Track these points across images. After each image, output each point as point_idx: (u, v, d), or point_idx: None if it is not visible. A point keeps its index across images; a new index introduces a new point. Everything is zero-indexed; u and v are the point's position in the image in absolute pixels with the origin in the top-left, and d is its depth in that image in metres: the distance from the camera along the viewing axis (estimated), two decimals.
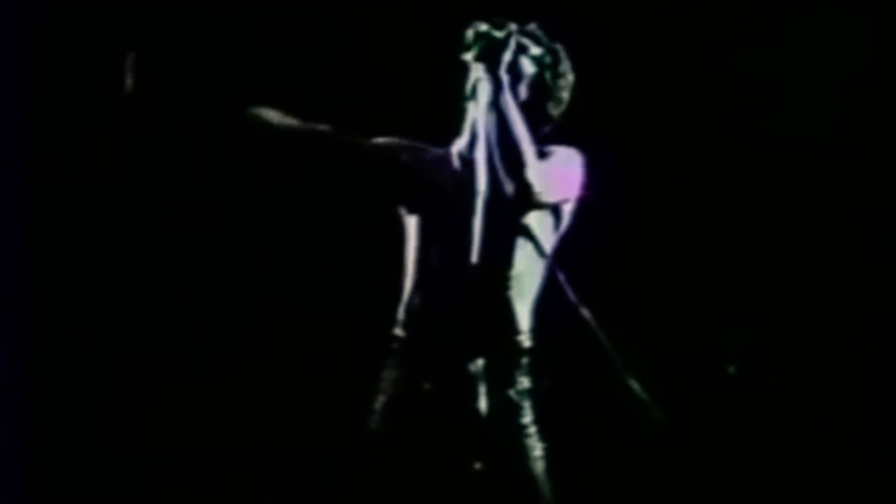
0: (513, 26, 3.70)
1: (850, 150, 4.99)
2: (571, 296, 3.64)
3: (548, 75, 3.80)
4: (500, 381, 3.64)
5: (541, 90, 3.80)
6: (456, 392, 3.62)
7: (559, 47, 3.85)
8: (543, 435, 3.66)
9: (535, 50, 3.78)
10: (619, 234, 4.87)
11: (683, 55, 4.99)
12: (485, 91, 3.58)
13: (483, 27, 3.63)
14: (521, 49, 3.73)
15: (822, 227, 5.02)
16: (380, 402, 3.70)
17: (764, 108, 5.00)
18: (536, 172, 3.58)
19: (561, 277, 3.68)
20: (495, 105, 3.57)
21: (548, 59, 3.80)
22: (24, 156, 4.84)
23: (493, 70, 3.59)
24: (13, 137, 4.80)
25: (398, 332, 3.72)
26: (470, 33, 3.64)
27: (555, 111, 3.84)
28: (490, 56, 3.60)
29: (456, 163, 3.75)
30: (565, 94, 3.85)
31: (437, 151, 3.81)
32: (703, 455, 4.87)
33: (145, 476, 4.91)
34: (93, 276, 4.97)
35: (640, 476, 4.81)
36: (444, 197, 3.71)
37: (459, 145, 3.77)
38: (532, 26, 3.81)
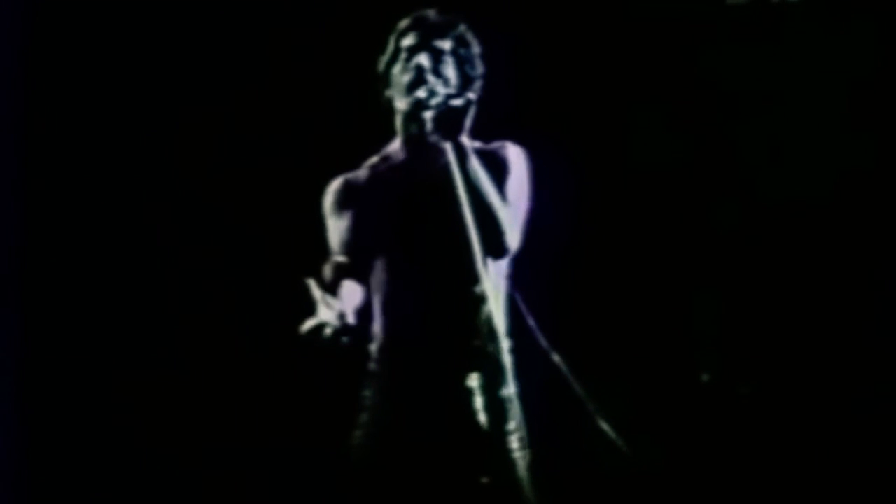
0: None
1: (827, 154, 5.02)
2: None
3: (467, 68, 3.70)
4: (488, 388, 3.60)
5: (467, 81, 3.69)
6: (442, 405, 3.60)
7: (456, 20, 3.72)
8: (529, 441, 3.66)
9: (446, 43, 3.65)
10: (598, 237, 4.90)
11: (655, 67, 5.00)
12: (455, 165, 3.50)
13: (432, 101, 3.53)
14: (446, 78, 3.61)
15: (799, 235, 5.03)
16: (362, 419, 3.72)
17: (742, 119, 5.02)
18: (507, 223, 3.58)
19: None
20: (466, 176, 3.50)
21: (462, 51, 3.70)
22: (23, 155, 4.84)
23: (455, 141, 3.53)
24: (12, 137, 4.80)
25: (374, 352, 3.73)
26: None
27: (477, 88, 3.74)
28: (453, 132, 3.54)
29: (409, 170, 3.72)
30: (480, 67, 3.74)
31: (385, 165, 3.77)
32: (680, 462, 4.89)
33: (144, 479, 4.91)
34: (92, 276, 4.96)
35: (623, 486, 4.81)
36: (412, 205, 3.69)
37: (397, 152, 3.75)
38: (431, 13, 3.70)
